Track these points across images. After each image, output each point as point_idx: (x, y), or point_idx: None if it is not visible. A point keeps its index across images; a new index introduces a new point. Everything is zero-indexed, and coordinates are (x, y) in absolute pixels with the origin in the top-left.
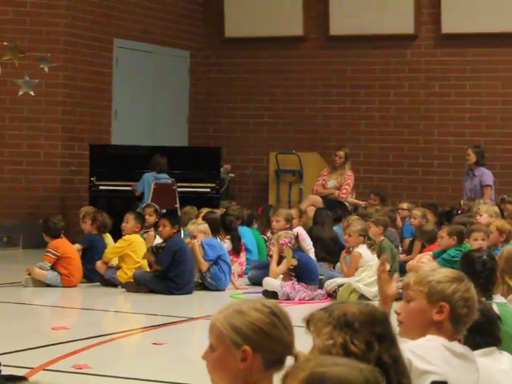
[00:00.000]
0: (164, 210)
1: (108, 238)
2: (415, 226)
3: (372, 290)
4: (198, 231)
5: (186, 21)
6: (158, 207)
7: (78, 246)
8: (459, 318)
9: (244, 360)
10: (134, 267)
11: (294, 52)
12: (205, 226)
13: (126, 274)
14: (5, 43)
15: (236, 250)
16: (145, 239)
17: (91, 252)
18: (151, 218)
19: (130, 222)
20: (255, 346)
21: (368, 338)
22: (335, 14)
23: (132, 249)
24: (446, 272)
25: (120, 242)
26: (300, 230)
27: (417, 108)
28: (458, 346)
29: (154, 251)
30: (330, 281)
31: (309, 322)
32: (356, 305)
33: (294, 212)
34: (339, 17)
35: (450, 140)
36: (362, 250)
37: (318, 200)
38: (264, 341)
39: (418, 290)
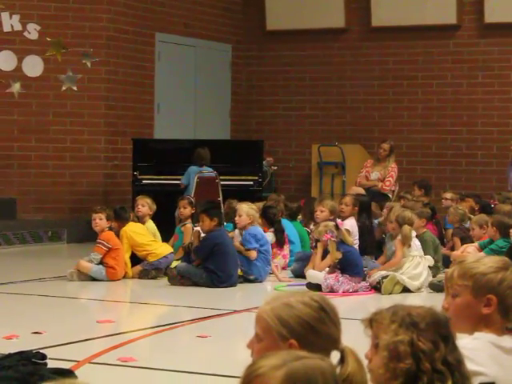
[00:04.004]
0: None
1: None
2: (451, 223)
3: (415, 284)
4: (244, 212)
5: (227, 14)
6: (192, 199)
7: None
8: (509, 307)
9: None
10: (147, 249)
11: (336, 44)
12: (253, 212)
13: (154, 256)
14: (48, 39)
15: (279, 242)
16: (182, 232)
17: None
18: (186, 211)
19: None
20: (302, 340)
21: (434, 337)
22: (377, 5)
23: (134, 236)
24: (490, 262)
25: (123, 242)
26: (352, 222)
27: (460, 98)
28: (508, 341)
29: (187, 248)
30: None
31: (371, 320)
32: (419, 307)
33: (348, 199)
34: (381, 8)
35: (494, 130)
36: None
37: (361, 192)
38: (311, 336)
39: (463, 285)
